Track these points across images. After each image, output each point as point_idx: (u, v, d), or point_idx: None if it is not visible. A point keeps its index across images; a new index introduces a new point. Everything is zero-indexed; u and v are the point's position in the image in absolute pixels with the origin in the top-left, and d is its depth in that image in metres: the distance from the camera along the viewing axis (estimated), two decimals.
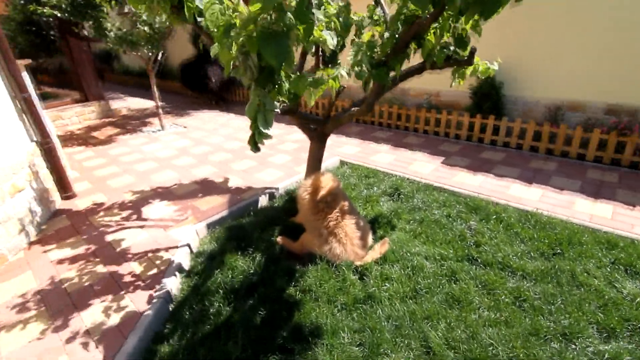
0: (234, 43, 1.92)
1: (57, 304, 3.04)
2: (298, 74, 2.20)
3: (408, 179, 4.97)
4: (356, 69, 2.91)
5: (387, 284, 3.05)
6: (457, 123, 6.46)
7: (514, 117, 6.15)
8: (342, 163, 5.80)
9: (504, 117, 5.86)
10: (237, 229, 3.98)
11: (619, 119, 5.07)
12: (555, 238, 3.52)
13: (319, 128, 4.06)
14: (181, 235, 3.95)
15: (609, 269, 3.11)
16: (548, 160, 5.32)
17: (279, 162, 5.89)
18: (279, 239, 3.75)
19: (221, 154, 6.45)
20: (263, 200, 4.63)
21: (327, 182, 3.57)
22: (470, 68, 3.36)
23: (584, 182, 4.62)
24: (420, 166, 5.43)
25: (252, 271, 3.27)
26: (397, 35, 2.81)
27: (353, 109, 3.62)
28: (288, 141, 7.03)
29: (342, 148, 6.41)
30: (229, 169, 5.72)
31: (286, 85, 2.13)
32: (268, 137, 2.32)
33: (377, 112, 7.67)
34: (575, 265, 3.15)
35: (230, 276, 3.23)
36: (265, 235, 3.81)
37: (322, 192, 3.51)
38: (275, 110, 2.24)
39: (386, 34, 2.90)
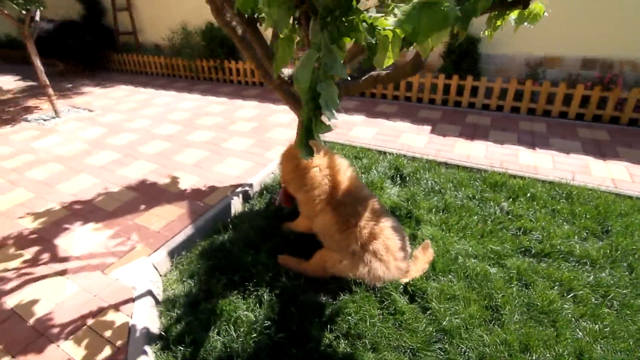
0: None
1: None
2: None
3: (405, 155, 4.23)
4: None
5: (453, 306, 2.30)
6: (432, 86, 5.86)
7: (490, 76, 5.74)
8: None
9: (482, 77, 5.40)
10: (217, 252, 2.83)
11: (602, 74, 4.93)
12: (597, 212, 3.13)
13: None
14: (132, 276, 2.66)
15: None
16: (534, 121, 5.05)
17: (239, 148, 4.64)
18: (279, 259, 2.73)
19: (156, 144, 4.91)
20: (236, 204, 3.47)
21: (345, 170, 2.61)
22: (516, 12, 2.59)
23: (583, 142, 4.41)
24: (411, 138, 4.72)
25: (265, 321, 2.24)
26: None
27: (374, 72, 2.62)
28: (239, 119, 5.71)
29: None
30: (174, 164, 4.31)
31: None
32: (328, 129, 1.29)
33: None
34: (635, 242, 2.78)
35: (235, 335, 2.16)
36: (261, 256, 2.74)
37: (343, 187, 2.54)
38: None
39: None
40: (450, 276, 2.54)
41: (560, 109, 5.08)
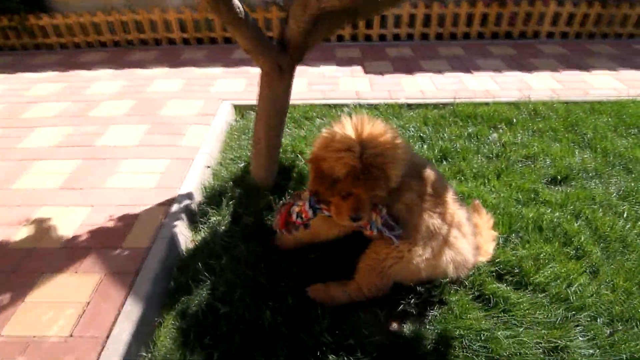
0: None
1: None
2: None
3: (360, 104, 3.49)
4: None
5: (559, 274, 1.87)
6: None
7: None
8: (239, 110, 3.56)
9: None
10: (208, 328, 1.65)
11: None
12: (568, 123, 3.16)
13: (290, 46, 1.88)
14: None
15: None
16: (450, 46, 4.91)
17: (129, 143, 3.00)
18: (311, 292, 1.79)
19: None
20: (182, 232, 2.18)
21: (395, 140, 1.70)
22: None
23: (502, 59, 4.48)
24: (351, 83, 3.96)
25: None
26: None
27: None
28: (99, 99, 3.78)
29: (213, 87, 3.95)
30: (24, 196, 2.47)
31: None
32: None
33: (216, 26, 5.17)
34: (611, 141, 2.88)
35: None
36: (288, 302, 1.72)
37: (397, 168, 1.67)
38: None
39: None
40: (521, 235, 2.10)
41: (464, 30, 5.09)
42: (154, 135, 3.07)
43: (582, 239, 2.05)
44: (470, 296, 1.79)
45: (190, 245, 2.16)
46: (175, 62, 4.66)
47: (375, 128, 1.49)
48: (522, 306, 1.74)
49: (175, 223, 2.20)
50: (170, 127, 3.18)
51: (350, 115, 1.53)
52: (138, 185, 2.51)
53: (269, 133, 2.17)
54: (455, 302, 1.75)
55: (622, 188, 2.46)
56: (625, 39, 5.08)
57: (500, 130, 3.08)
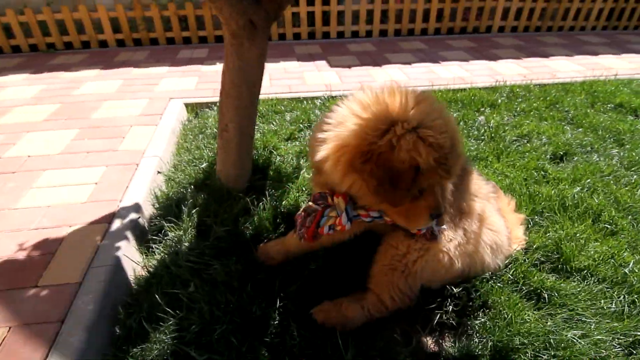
0: None
1: None
2: None
3: (333, 97, 3.14)
4: None
5: (599, 254, 1.60)
6: (292, 17, 4.73)
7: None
8: (191, 108, 3.02)
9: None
10: None
11: None
12: (549, 102, 3.06)
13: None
14: None
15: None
16: (408, 41, 4.80)
17: (53, 151, 2.32)
18: (317, 314, 1.34)
19: None
20: (129, 253, 1.60)
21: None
22: None
23: (464, 50, 4.44)
24: (318, 77, 3.59)
25: None
26: None
27: None
28: (16, 105, 3.00)
29: (158, 86, 3.36)
30: None
31: None
32: None
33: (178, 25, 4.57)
34: (594, 115, 2.81)
35: None
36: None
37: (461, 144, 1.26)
38: None
39: None
40: (546, 215, 1.82)
41: (421, 26, 5.03)
42: (84, 141, 2.42)
43: (613, 212, 1.82)
44: (518, 294, 1.44)
45: (143, 273, 1.59)
46: (108, 63, 3.99)
47: (422, 98, 1.08)
48: (580, 297, 1.42)
49: (118, 245, 1.61)
50: (105, 131, 2.55)
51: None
52: (63, 201, 1.87)
53: (240, 115, 1.69)
54: (504, 303, 1.38)
55: (624, 159, 2.33)
56: (566, 32, 5.36)
57: (486, 113, 2.89)
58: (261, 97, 3.02)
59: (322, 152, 1.12)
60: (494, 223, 1.42)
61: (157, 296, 1.38)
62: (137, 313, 1.37)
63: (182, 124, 2.78)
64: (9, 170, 2.11)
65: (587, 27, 5.40)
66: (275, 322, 1.34)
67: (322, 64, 3.95)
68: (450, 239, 1.32)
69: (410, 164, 0.99)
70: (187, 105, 3.02)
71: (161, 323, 1.33)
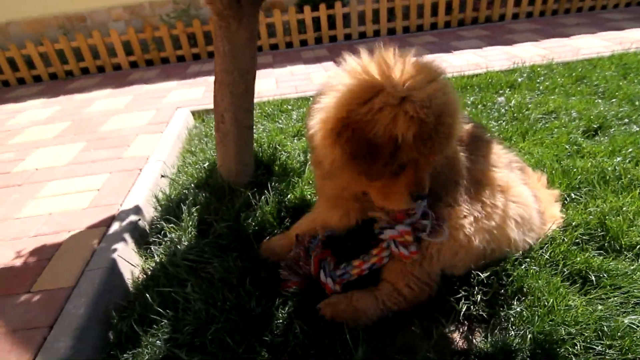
0: None
1: None
2: None
3: None
4: None
5: None
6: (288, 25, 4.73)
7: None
8: (198, 115, 3.00)
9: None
10: None
11: None
12: (575, 78, 2.82)
13: None
14: None
15: None
16: (418, 36, 4.67)
17: (58, 163, 2.31)
18: (324, 310, 1.17)
19: None
20: (126, 255, 1.51)
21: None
22: None
23: (479, 38, 4.25)
24: (325, 76, 3.51)
25: None
26: None
27: None
28: (30, 126, 3.07)
29: (166, 98, 3.37)
30: None
31: None
32: None
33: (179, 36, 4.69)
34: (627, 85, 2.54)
35: None
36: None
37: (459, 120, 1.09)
38: None
39: None
40: (585, 191, 1.59)
41: (430, 20, 4.90)
42: (90, 152, 2.41)
43: None
44: (558, 277, 1.23)
45: (140, 275, 1.49)
46: (121, 83, 4.08)
47: (417, 66, 0.96)
48: (635, 277, 1.20)
49: (116, 247, 1.53)
50: (111, 141, 2.54)
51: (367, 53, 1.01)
52: (64, 209, 1.83)
53: (235, 104, 1.61)
54: (543, 289, 1.18)
55: None
56: (586, 12, 5.06)
57: (506, 94, 2.69)
58: (267, 98, 3.00)
59: (311, 128, 1.01)
60: (520, 194, 1.24)
61: (148, 297, 1.27)
62: (130, 316, 1.26)
63: (188, 130, 2.74)
64: (15, 183, 2.12)
65: (608, 5, 5.08)
66: (278, 321, 1.19)
67: (329, 64, 3.88)
68: (465, 215, 1.15)
69: (389, 136, 0.88)
70: (194, 112, 2.99)
71: (154, 326, 1.22)
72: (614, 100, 2.45)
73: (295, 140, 2.37)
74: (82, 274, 1.42)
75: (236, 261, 1.40)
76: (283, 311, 1.23)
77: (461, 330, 1.18)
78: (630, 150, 1.84)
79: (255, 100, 3.04)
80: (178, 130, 2.61)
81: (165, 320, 1.22)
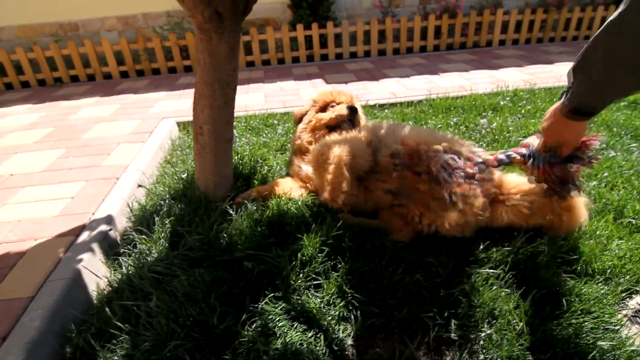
0: None
1: None
2: None
3: None
4: None
5: None
6: (291, 42, 4.80)
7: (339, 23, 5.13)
8: (184, 126, 2.98)
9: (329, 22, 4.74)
10: None
11: (446, 2, 4.98)
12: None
13: None
14: None
15: None
16: (407, 58, 4.77)
17: (35, 169, 2.27)
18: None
19: None
20: (92, 266, 1.46)
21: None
22: None
23: (464, 62, 4.35)
24: (313, 93, 3.52)
25: None
26: None
27: None
28: (11, 131, 3.03)
29: (153, 108, 3.36)
30: None
31: None
32: None
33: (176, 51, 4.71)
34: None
35: None
36: None
37: None
38: None
39: None
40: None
41: (420, 43, 5.02)
42: (68, 159, 2.37)
43: (637, 207, 1.59)
44: (529, 299, 1.21)
45: (106, 288, 1.44)
46: (109, 91, 4.07)
47: None
48: (605, 301, 1.19)
49: (82, 257, 1.47)
50: (92, 149, 2.50)
51: None
52: (34, 216, 1.77)
53: (214, 116, 1.60)
54: (513, 312, 1.16)
55: None
56: (569, 41, 5.25)
57: (489, 116, 2.73)
58: (254, 112, 3.00)
59: None
60: None
61: (108, 310, 1.22)
62: (88, 330, 1.21)
63: (171, 141, 2.72)
64: None
65: (591, 35, 5.26)
66: (242, 339, 1.15)
67: (319, 81, 3.93)
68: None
69: None
70: (179, 124, 2.98)
71: (113, 340, 1.16)
72: (592, 125, 2.51)
73: (279, 155, 2.37)
74: (43, 284, 1.36)
75: (203, 276, 1.36)
76: (250, 328, 1.19)
77: (430, 355, 1.15)
78: (605, 174, 1.87)
79: (242, 113, 3.07)
80: (161, 141, 2.58)
81: (125, 335, 1.16)
